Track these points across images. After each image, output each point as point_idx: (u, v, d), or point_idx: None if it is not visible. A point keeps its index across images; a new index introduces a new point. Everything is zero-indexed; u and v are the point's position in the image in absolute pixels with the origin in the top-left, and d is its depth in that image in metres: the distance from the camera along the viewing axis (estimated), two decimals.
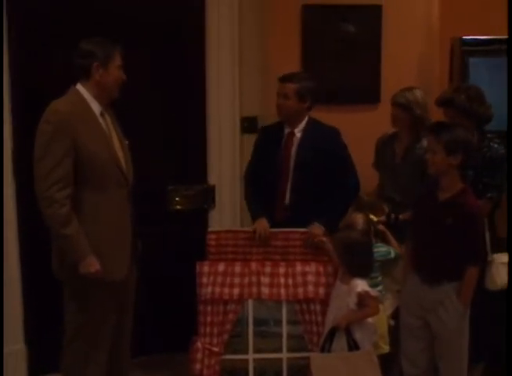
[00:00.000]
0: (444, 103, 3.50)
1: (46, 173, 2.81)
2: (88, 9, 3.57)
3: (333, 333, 3.10)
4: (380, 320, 3.28)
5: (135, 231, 3.11)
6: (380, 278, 3.38)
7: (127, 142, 3.12)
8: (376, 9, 3.94)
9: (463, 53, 4.14)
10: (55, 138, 2.81)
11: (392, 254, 3.40)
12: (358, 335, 3.10)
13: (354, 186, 3.56)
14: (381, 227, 3.46)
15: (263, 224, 3.46)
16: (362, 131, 3.78)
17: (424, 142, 3.51)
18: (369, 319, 3.14)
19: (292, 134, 3.54)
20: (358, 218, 3.39)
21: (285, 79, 3.48)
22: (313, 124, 3.54)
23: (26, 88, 3.50)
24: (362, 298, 3.08)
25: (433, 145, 3.04)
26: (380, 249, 3.38)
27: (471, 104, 3.42)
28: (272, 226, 3.46)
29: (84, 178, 2.89)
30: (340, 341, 3.10)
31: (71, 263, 2.89)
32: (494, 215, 3.50)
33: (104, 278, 2.91)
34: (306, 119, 3.54)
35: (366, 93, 4.02)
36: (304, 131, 3.53)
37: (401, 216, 3.45)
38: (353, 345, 3.08)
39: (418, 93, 3.63)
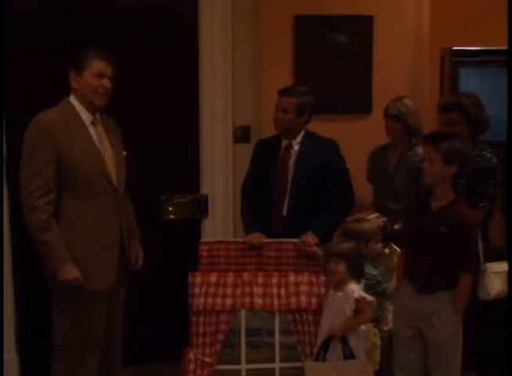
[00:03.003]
0: (449, 107, 3.47)
1: (28, 180, 2.85)
2: (81, 18, 3.58)
3: (328, 341, 3.11)
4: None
5: (123, 242, 3.11)
6: None
7: (125, 153, 3.13)
8: (368, 20, 3.96)
9: (453, 63, 4.16)
10: (37, 146, 2.86)
11: (382, 287, 3.30)
12: (352, 343, 3.11)
13: (350, 198, 3.57)
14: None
15: (256, 234, 3.46)
16: (353, 140, 3.79)
17: (418, 150, 3.54)
18: (363, 327, 3.15)
19: (290, 146, 3.55)
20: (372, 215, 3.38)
21: (285, 93, 3.48)
22: (311, 137, 3.56)
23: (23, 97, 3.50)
24: (359, 304, 3.09)
25: (431, 154, 3.03)
26: (369, 272, 3.30)
27: (475, 109, 3.43)
28: (268, 239, 3.46)
29: (67, 185, 2.91)
30: (335, 350, 3.11)
31: (52, 271, 2.90)
32: (487, 225, 3.52)
33: (85, 287, 2.91)
34: (303, 131, 3.55)
35: (358, 103, 4.03)
36: (302, 143, 3.54)
37: (395, 227, 3.45)
38: (348, 354, 3.09)
39: (408, 102, 3.68)
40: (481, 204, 3.40)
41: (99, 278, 2.98)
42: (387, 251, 3.45)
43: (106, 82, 2.98)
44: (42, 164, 2.85)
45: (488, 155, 3.44)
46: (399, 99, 3.68)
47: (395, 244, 3.43)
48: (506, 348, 2.96)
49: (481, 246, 3.34)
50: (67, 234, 2.90)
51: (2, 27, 3.36)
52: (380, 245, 3.36)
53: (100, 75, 2.96)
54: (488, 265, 3.34)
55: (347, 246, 3.16)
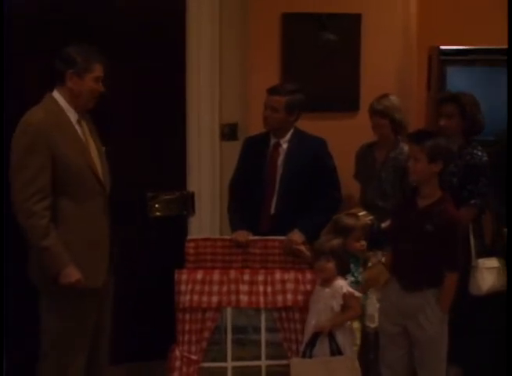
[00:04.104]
0: (447, 98, 3.55)
1: (24, 185, 2.80)
2: (81, 18, 3.58)
3: (315, 338, 3.12)
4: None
5: (112, 239, 3.10)
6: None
7: (104, 148, 3.12)
8: (356, 18, 3.96)
9: (440, 62, 4.17)
10: (32, 149, 2.81)
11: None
12: (340, 339, 3.12)
13: (338, 197, 3.57)
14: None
15: (242, 232, 3.46)
16: (341, 138, 3.79)
17: (404, 148, 3.55)
18: (349, 323, 3.17)
19: (278, 144, 3.55)
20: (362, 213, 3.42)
21: (274, 91, 3.47)
22: (299, 135, 3.55)
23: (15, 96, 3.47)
24: (347, 299, 3.11)
25: (415, 153, 3.05)
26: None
27: (471, 107, 3.50)
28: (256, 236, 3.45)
29: (60, 186, 2.89)
30: (323, 346, 3.12)
31: (50, 273, 2.88)
32: (480, 221, 3.54)
33: (83, 287, 2.90)
34: (292, 129, 3.55)
35: (346, 101, 4.03)
36: (291, 141, 3.53)
37: (383, 225, 3.46)
38: (335, 350, 3.10)
39: (394, 99, 3.70)
40: (472, 201, 3.45)
41: (94, 276, 2.98)
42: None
43: (101, 86, 2.98)
44: (39, 167, 2.81)
45: (479, 153, 3.50)
46: (385, 96, 3.69)
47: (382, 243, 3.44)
48: (506, 349, 2.98)
49: (473, 242, 3.38)
50: (64, 237, 2.88)
51: (2, 27, 3.34)
52: (364, 243, 3.37)
53: (98, 79, 2.96)
54: (480, 261, 3.40)
55: (336, 243, 3.18)
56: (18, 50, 3.48)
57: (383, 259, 3.38)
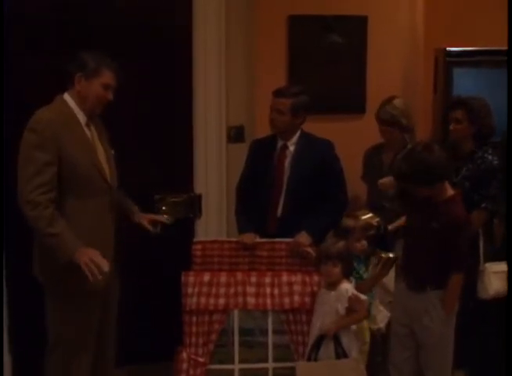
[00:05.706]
0: (456, 104, 3.56)
1: (29, 178, 2.83)
2: (81, 18, 3.59)
3: (320, 340, 3.11)
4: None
5: (118, 237, 3.12)
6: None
7: (112, 151, 3.13)
8: (362, 20, 3.97)
9: (447, 64, 4.18)
10: (39, 146, 2.83)
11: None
12: (345, 342, 3.12)
13: (344, 199, 3.58)
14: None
15: (249, 234, 3.46)
16: (347, 140, 3.79)
17: None
18: (354, 327, 3.16)
19: (285, 147, 3.55)
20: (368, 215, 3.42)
21: (279, 94, 3.46)
22: (306, 137, 3.55)
23: (15, 96, 3.49)
24: (352, 303, 3.11)
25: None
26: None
27: (480, 111, 3.50)
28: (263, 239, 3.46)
29: (67, 185, 2.91)
30: (328, 349, 3.11)
31: (53, 268, 2.90)
32: (492, 225, 3.54)
33: (82, 285, 2.88)
34: (299, 132, 3.55)
35: (352, 103, 4.04)
36: (298, 144, 3.54)
37: (390, 227, 3.46)
38: (341, 353, 3.09)
39: (398, 103, 3.68)
40: (483, 205, 3.44)
41: None
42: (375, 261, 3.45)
43: (110, 95, 2.99)
44: (44, 163, 2.83)
45: (490, 157, 3.50)
46: (389, 101, 3.68)
47: (389, 245, 3.44)
48: (506, 348, 2.97)
49: (481, 246, 3.39)
50: None
51: (2, 27, 3.36)
52: (365, 243, 3.37)
53: (107, 86, 2.97)
54: (488, 265, 3.40)
55: (342, 247, 3.18)
56: (18, 50, 3.49)
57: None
